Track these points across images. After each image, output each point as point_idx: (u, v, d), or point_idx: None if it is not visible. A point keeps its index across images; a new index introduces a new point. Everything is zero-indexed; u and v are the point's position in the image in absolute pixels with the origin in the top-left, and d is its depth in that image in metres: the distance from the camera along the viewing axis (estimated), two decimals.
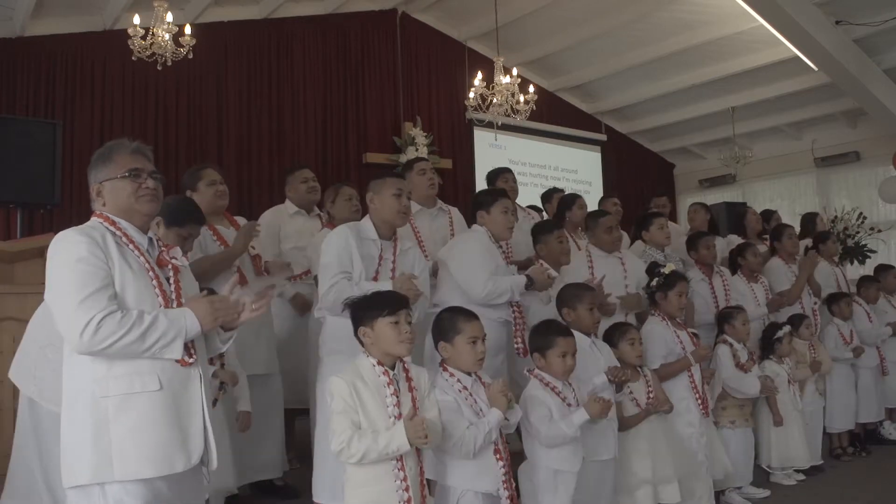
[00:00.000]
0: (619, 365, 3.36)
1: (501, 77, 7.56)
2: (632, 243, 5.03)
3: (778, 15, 7.28)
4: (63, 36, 6.73)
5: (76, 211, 5.94)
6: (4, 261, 3.85)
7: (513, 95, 7.62)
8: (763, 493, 4.13)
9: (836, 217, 9.72)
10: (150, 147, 2.31)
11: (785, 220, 6.28)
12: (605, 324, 3.63)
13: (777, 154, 10.88)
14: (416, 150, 8.59)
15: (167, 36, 5.67)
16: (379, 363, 2.41)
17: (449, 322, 2.69)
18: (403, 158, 8.52)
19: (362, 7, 8.68)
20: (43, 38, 6.61)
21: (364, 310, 2.47)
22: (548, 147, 10.32)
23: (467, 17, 9.13)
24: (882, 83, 8.53)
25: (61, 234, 2.12)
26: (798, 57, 8.20)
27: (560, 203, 5.13)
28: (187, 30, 5.77)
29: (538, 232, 4.03)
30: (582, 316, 3.30)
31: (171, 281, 2.21)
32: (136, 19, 5.68)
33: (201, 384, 2.16)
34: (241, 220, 4.00)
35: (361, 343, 2.48)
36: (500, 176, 5.02)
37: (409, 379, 2.46)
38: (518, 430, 2.90)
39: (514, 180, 5.04)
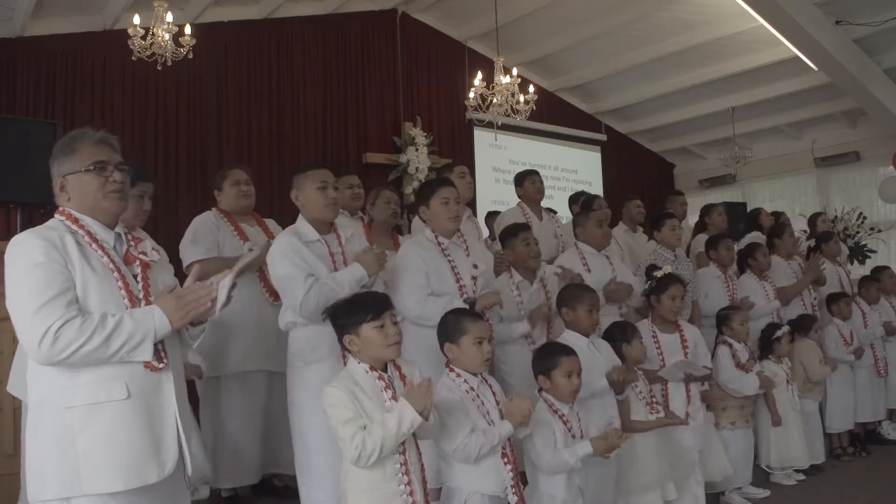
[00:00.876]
0: (619, 363, 3.36)
1: (501, 77, 7.56)
2: (648, 239, 5.15)
3: (778, 15, 7.28)
4: (63, 36, 6.72)
5: None
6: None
7: (513, 95, 7.62)
8: (763, 493, 4.14)
9: (836, 217, 9.72)
10: (117, 137, 2.17)
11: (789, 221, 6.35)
12: (605, 323, 3.63)
13: (777, 154, 10.88)
14: (416, 150, 8.59)
15: (167, 36, 5.67)
16: (371, 368, 2.39)
17: (454, 323, 2.68)
18: (403, 158, 8.54)
19: (362, 7, 8.67)
20: (43, 38, 6.60)
21: (347, 317, 2.42)
22: (548, 147, 10.32)
23: (467, 17, 9.12)
24: (882, 83, 8.52)
25: (17, 237, 2.00)
26: (798, 57, 8.19)
27: (583, 204, 5.24)
28: (187, 30, 5.77)
29: (504, 236, 3.95)
30: (581, 317, 3.30)
31: (139, 278, 2.08)
32: (136, 19, 5.67)
33: (174, 389, 2.04)
34: (271, 223, 4.05)
35: (348, 351, 2.45)
36: (528, 178, 5.07)
37: (402, 377, 2.45)
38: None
39: (541, 182, 5.10)
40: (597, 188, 10.51)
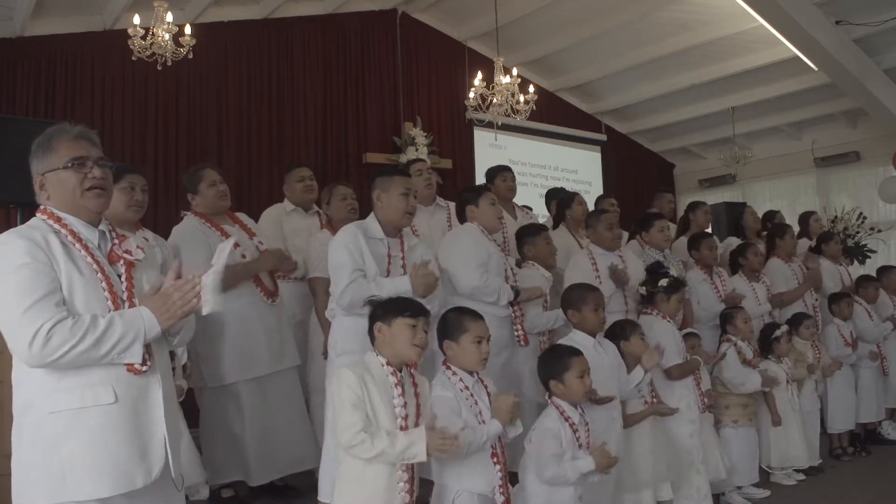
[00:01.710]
0: (622, 363, 3.36)
1: (501, 77, 7.56)
2: (629, 240, 5.03)
3: (778, 15, 7.28)
4: (63, 36, 6.72)
5: None
6: None
7: (513, 95, 7.62)
8: (763, 493, 4.14)
9: (836, 217, 9.72)
10: (96, 131, 2.12)
11: (785, 220, 6.30)
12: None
13: (777, 154, 10.87)
14: (416, 150, 8.59)
15: (167, 36, 5.67)
16: (388, 363, 2.42)
17: (455, 321, 2.69)
18: (403, 158, 8.52)
19: (362, 7, 8.67)
20: (43, 38, 6.60)
21: (385, 307, 2.49)
22: (548, 147, 10.32)
23: (467, 17, 9.12)
24: (882, 83, 8.52)
25: None
26: (798, 57, 8.19)
27: (559, 202, 5.14)
28: (187, 30, 5.77)
29: (525, 234, 4.06)
30: (587, 317, 3.30)
31: (123, 278, 2.02)
32: (136, 19, 5.67)
33: (161, 392, 2.00)
34: (243, 217, 4.02)
35: (373, 340, 2.49)
36: (499, 174, 4.98)
37: (414, 384, 2.47)
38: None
39: (513, 179, 5.01)
40: (597, 188, 10.51)
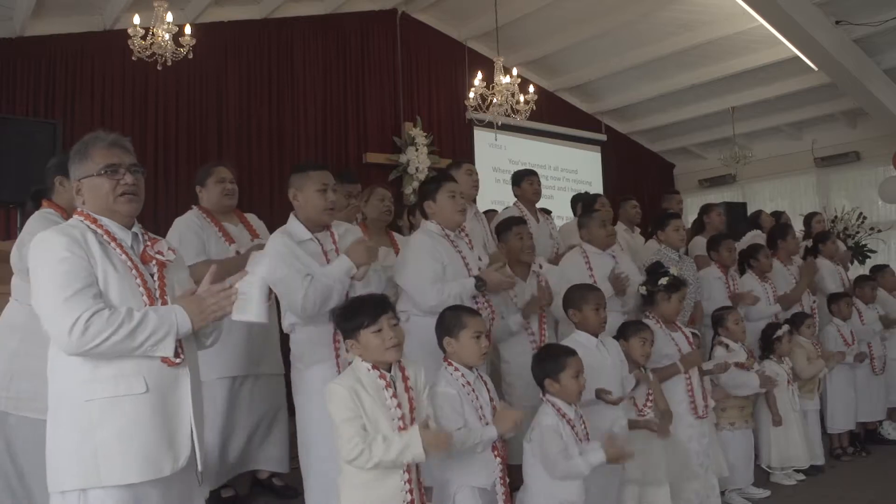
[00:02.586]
0: (626, 362, 3.36)
1: (501, 77, 7.56)
2: (646, 241, 5.10)
3: (778, 15, 7.28)
4: (63, 36, 6.72)
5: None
6: (4, 261, 3.84)
7: (513, 95, 7.62)
8: (763, 493, 4.14)
9: (836, 217, 9.72)
10: (129, 138, 2.22)
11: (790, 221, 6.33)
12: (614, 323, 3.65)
13: (777, 154, 10.88)
14: (416, 150, 8.59)
15: (167, 36, 5.67)
16: (374, 367, 2.40)
17: (453, 318, 2.71)
18: (403, 158, 8.54)
19: (362, 7, 8.67)
20: (43, 38, 6.60)
21: (346, 322, 2.44)
22: (548, 147, 10.31)
23: (467, 17, 9.12)
24: (882, 83, 8.52)
25: (40, 234, 2.08)
26: (798, 57, 8.19)
27: (584, 204, 5.24)
28: (187, 30, 5.77)
29: (499, 229, 3.99)
30: (588, 316, 3.30)
31: (156, 277, 2.15)
32: (136, 19, 5.67)
33: (189, 385, 2.10)
34: (252, 218, 4.02)
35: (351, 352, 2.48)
36: (527, 178, 4.98)
37: (405, 378, 2.46)
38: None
39: (539, 183, 5.03)
40: (597, 188, 10.50)
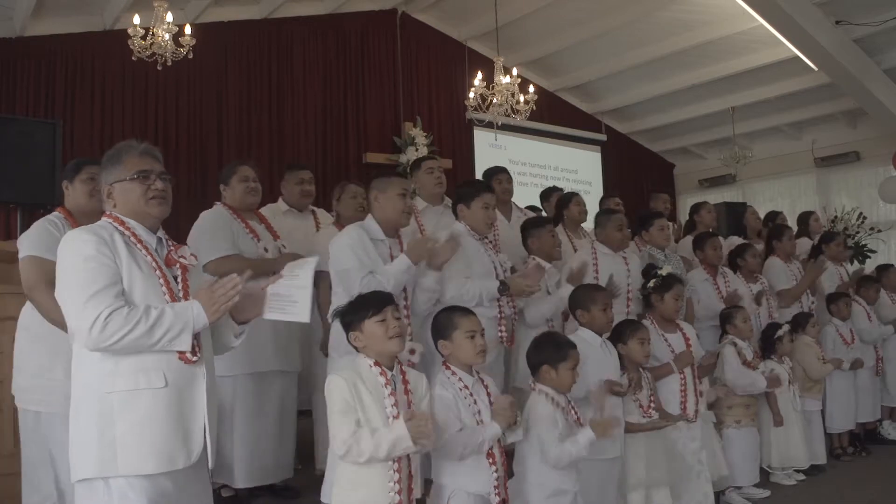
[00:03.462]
0: (618, 364, 3.37)
1: (501, 77, 7.56)
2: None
3: (778, 15, 7.29)
4: (63, 36, 6.73)
5: None
6: (5, 261, 3.85)
7: (513, 95, 7.62)
8: (763, 493, 4.13)
9: (836, 217, 9.72)
10: (158, 147, 2.35)
11: (787, 221, 6.29)
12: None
13: (777, 154, 10.88)
14: (416, 150, 8.59)
15: (167, 36, 5.67)
16: (376, 363, 2.41)
17: (446, 320, 2.69)
18: (403, 158, 8.53)
19: (362, 7, 8.68)
20: (43, 38, 6.61)
21: (350, 315, 2.47)
22: (548, 147, 10.32)
23: (467, 17, 9.13)
24: (882, 83, 8.53)
25: (70, 233, 2.19)
26: (798, 57, 8.20)
27: (558, 201, 5.12)
28: (187, 30, 5.77)
29: (530, 226, 4.03)
30: (596, 316, 3.30)
31: (179, 280, 2.24)
32: (136, 19, 5.68)
33: (205, 383, 2.18)
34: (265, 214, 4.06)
35: (356, 349, 2.48)
36: (495, 176, 4.87)
37: (405, 381, 2.46)
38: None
39: (509, 181, 4.89)
40: (597, 188, 10.52)
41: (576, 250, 4.55)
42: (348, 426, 2.29)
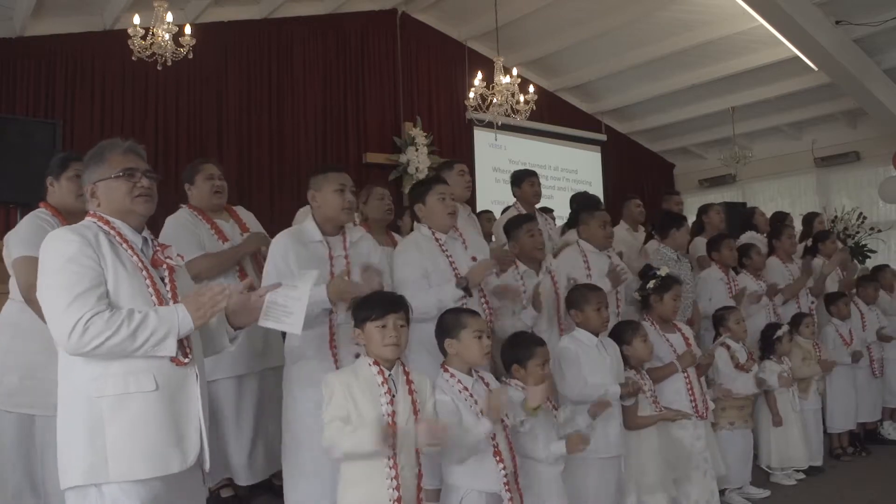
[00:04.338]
0: (621, 363, 3.37)
1: (501, 77, 7.56)
2: (646, 241, 5.06)
3: (778, 15, 7.29)
4: (63, 36, 6.73)
5: None
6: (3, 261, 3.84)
7: (513, 95, 7.62)
8: (763, 493, 4.13)
9: (836, 217, 9.72)
10: (143, 146, 2.29)
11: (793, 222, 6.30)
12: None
13: (777, 154, 10.88)
14: (416, 150, 8.59)
15: (167, 36, 5.67)
16: (375, 363, 2.43)
17: (454, 319, 2.71)
18: (403, 158, 8.54)
19: (362, 7, 8.68)
20: (43, 38, 6.61)
21: (359, 311, 2.50)
22: (548, 147, 10.32)
23: (467, 17, 9.13)
24: (882, 83, 8.53)
25: (53, 232, 2.12)
26: (798, 57, 8.20)
27: (582, 202, 5.18)
28: (187, 30, 5.77)
29: (509, 227, 3.94)
30: (590, 316, 3.31)
31: (167, 280, 2.19)
32: (136, 19, 5.68)
33: (198, 385, 2.13)
34: (242, 212, 4.00)
35: (357, 343, 2.51)
36: (527, 179, 4.89)
37: (409, 382, 2.46)
38: None
39: (539, 184, 4.93)
40: (597, 188, 10.52)
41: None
42: (334, 422, 2.32)
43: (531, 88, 7.69)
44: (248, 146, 7.66)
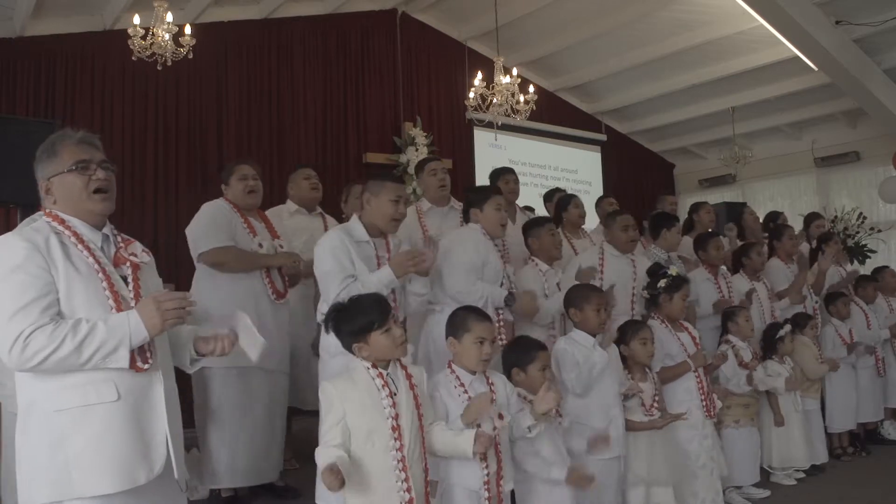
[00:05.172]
0: (620, 364, 3.38)
1: (501, 77, 7.55)
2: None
3: (778, 15, 7.28)
4: (63, 36, 6.72)
5: None
6: None
7: (513, 95, 7.61)
8: (763, 493, 4.14)
9: (836, 217, 9.72)
10: (97, 135, 2.16)
11: (787, 221, 6.29)
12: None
13: (777, 154, 10.87)
14: (416, 150, 8.58)
15: (167, 36, 5.67)
16: (373, 366, 2.41)
17: (461, 320, 2.72)
18: (403, 158, 8.53)
19: (362, 7, 8.67)
20: (43, 38, 6.60)
21: (352, 325, 2.42)
22: (548, 147, 10.31)
23: (467, 17, 9.12)
24: (882, 83, 8.52)
25: (0, 238, 1.98)
26: (798, 57, 8.19)
27: (557, 203, 5.14)
28: (187, 30, 5.77)
29: (530, 226, 4.05)
30: (589, 316, 3.31)
31: (130, 280, 2.06)
32: (136, 19, 5.67)
33: (163, 390, 2.03)
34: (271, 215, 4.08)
35: (354, 353, 2.47)
36: (501, 177, 4.92)
37: (408, 376, 2.46)
38: None
39: (516, 181, 4.94)
40: (597, 188, 10.51)
41: (576, 252, 4.56)
42: (330, 431, 2.32)
43: (531, 88, 7.68)
44: (248, 146, 7.64)
